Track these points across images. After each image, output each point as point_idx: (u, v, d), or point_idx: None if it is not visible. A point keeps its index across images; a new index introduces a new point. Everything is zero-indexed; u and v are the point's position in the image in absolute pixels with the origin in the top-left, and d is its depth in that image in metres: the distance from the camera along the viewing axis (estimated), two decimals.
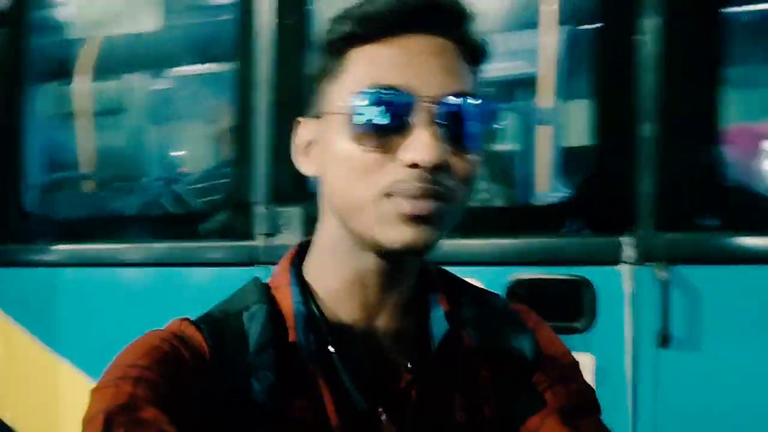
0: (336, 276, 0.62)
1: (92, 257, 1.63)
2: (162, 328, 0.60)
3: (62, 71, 2.03)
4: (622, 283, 1.24)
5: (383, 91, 0.55)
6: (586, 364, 1.25)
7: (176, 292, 1.52)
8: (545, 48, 2.11)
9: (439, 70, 0.57)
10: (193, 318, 0.62)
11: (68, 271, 1.63)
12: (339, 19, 0.60)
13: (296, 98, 1.50)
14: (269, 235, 1.47)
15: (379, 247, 0.57)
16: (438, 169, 0.55)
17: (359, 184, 0.56)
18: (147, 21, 1.67)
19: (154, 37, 1.73)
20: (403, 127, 0.55)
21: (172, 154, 2.55)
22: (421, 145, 0.54)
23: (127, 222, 1.69)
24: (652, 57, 1.23)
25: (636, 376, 1.23)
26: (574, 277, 1.26)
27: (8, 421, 1.71)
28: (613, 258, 1.24)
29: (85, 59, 1.92)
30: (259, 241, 1.48)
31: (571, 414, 0.66)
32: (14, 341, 1.67)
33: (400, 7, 0.57)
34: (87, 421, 0.52)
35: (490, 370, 0.67)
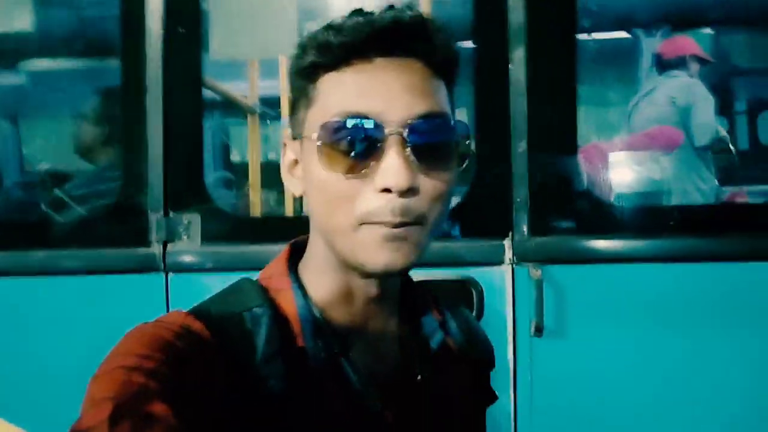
0: (327, 288, 0.64)
1: None
2: (164, 320, 0.58)
3: None
4: (504, 282, 1.39)
5: (350, 119, 0.56)
6: None
7: (66, 302, 1.44)
8: None
9: (404, 93, 0.57)
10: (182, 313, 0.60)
11: None
12: (304, 46, 0.61)
13: (190, 102, 1.50)
14: (166, 241, 1.45)
15: (361, 268, 0.60)
16: (409, 192, 0.56)
17: (336, 211, 0.58)
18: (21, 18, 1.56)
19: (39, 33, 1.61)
20: (373, 153, 0.56)
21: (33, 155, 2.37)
22: (390, 171, 0.55)
23: (7, 228, 1.56)
24: (521, 82, 1.41)
25: (516, 362, 1.39)
26: (463, 277, 1.40)
27: None
28: (496, 259, 1.40)
29: None
30: (154, 248, 1.45)
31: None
32: None
33: (361, 35, 0.58)
34: (91, 405, 0.50)
35: (472, 372, 0.76)
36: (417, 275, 1.35)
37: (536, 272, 1.37)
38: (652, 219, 1.43)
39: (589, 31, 2.18)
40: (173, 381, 0.52)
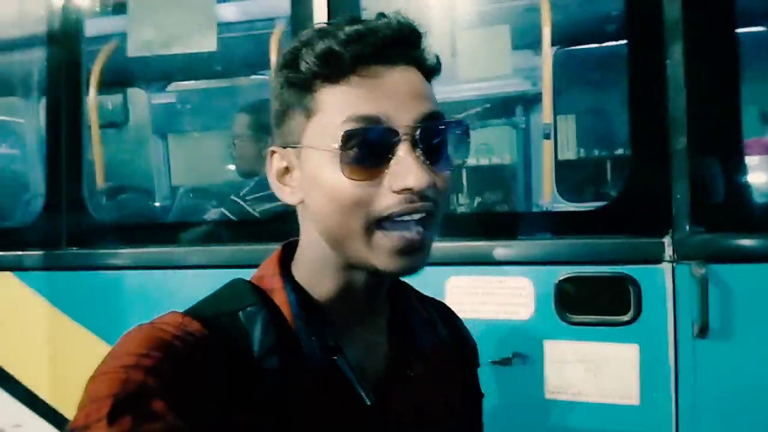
0: (324, 287, 0.65)
1: (153, 261, 1.71)
2: (161, 321, 0.59)
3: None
4: (664, 280, 1.37)
5: (366, 126, 0.58)
6: (631, 354, 1.38)
7: None
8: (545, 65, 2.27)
9: (409, 97, 0.60)
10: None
11: (135, 274, 1.71)
12: (296, 56, 0.61)
13: None
14: None
15: (375, 270, 0.61)
16: (427, 189, 0.58)
17: (349, 215, 0.59)
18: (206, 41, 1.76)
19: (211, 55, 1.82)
20: (386, 156, 0.58)
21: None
22: (410, 171, 0.57)
23: (196, 227, 1.78)
24: (679, 78, 1.37)
25: (677, 364, 1.35)
26: (619, 274, 1.39)
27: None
28: (655, 257, 1.38)
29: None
30: None
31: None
32: (82, 345, 1.75)
33: (366, 45, 0.59)
34: (89, 403, 0.51)
35: (459, 370, 0.78)
36: (569, 272, 1.38)
37: (700, 270, 1.33)
38: None
39: (748, 23, 2.06)
40: (172, 379, 0.53)
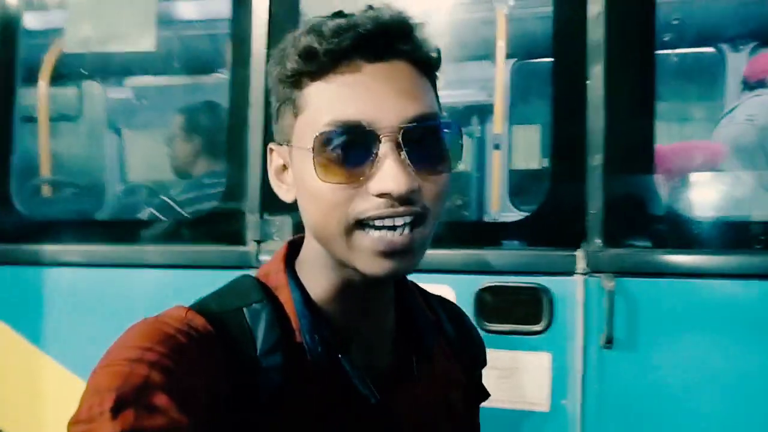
0: (324, 285, 0.65)
1: (83, 258, 1.69)
2: (166, 315, 0.59)
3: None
4: (575, 292, 1.43)
5: (343, 128, 0.55)
6: (544, 361, 1.43)
7: (172, 292, 1.61)
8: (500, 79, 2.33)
9: (396, 97, 0.56)
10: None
11: (59, 271, 1.69)
12: (285, 52, 0.60)
13: None
14: (260, 241, 1.59)
15: (360, 273, 0.59)
16: (409, 194, 0.56)
17: (330, 217, 0.57)
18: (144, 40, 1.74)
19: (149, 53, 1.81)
20: (369, 160, 0.56)
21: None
22: (388, 175, 0.55)
23: (124, 226, 1.77)
24: (599, 97, 1.43)
25: (585, 371, 1.41)
26: (534, 285, 1.45)
27: None
28: (568, 269, 1.43)
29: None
30: (250, 247, 1.60)
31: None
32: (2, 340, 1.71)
33: (345, 41, 0.56)
34: (92, 396, 0.50)
35: (463, 370, 0.78)
36: (488, 281, 1.43)
37: (609, 283, 1.39)
38: (728, 234, 1.42)
39: (670, 46, 2.17)
40: (175, 373, 0.53)
